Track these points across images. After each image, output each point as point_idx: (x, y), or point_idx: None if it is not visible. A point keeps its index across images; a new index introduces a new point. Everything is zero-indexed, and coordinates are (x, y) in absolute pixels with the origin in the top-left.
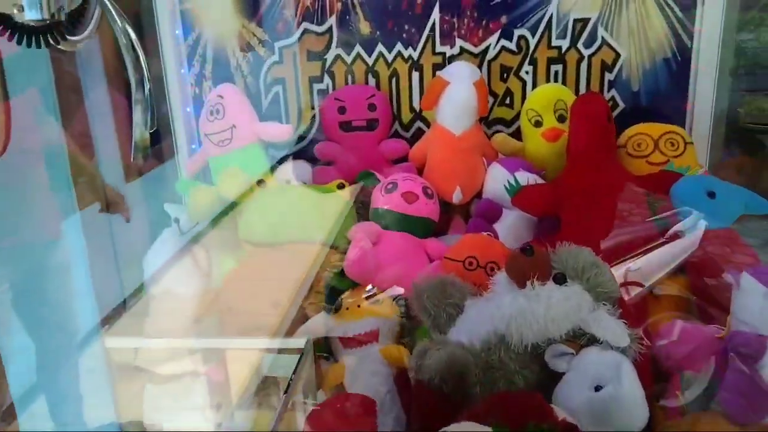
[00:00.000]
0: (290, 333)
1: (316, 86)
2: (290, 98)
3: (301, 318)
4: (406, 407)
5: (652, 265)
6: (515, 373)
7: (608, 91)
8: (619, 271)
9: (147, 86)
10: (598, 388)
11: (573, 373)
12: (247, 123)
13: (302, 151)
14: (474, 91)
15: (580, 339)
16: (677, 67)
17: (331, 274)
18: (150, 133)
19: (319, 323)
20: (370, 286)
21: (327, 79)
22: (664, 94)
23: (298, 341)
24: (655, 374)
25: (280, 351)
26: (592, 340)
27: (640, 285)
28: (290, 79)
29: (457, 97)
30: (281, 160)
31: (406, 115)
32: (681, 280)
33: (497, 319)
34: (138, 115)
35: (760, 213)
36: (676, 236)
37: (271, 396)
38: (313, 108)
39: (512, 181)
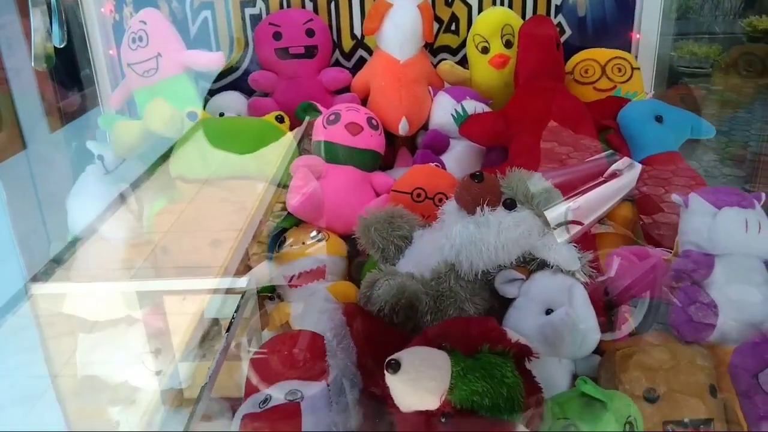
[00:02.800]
0: (232, 273)
1: (248, 11)
2: (220, 24)
3: (243, 260)
4: (356, 339)
5: (591, 204)
6: (466, 300)
7: (555, 16)
8: (560, 210)
9: None
10: (548, 312)
11: (523, 298)
12: (173, 51)
13: (236, 82)
14: (418, 13)
15: (530, 264)
16: None
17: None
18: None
19: (263, 272)
20: (314, 232)
21: (260, 3)
22: (611, 21)
23: (240, 281)
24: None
25: (223, 292)
26: (542, 265)
27: (580, 223)
28: (219, 4)
29: (401, 20)
30: (213, 92)
31: (347, 43)
32: (627, 208)
33: (447, 248)
34: (36, 19)
35: (705, 137)
36: (615, 175)
37: (214, 339)
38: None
39: (459, 110)
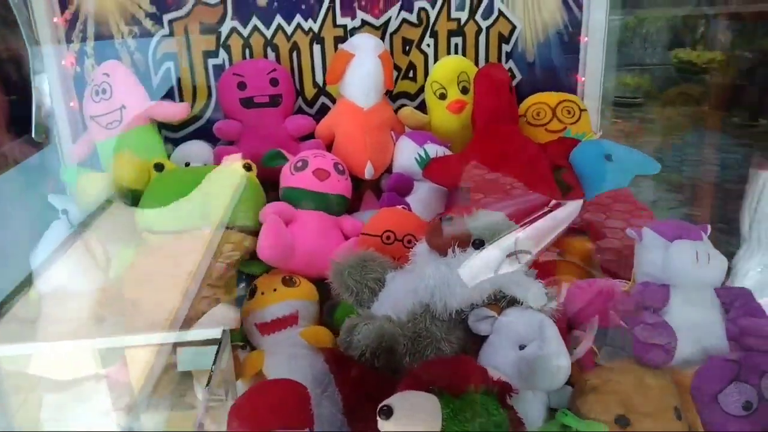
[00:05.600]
0: (182, 319)
1: (211, 61)
2: (183, 75)
3: (194, 305)
4: (340, 386)
5: (539, 233)
6: (442, 340)
7: (506, 62)
8: (509, 241)
9: None
10: (522, 347)
11: (496, 335)
12: (137, 102)
13: (199, 131)
14: (380, 63)
15: (501, 302)
16: (569, 38)
17: (242, 260)
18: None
19: (219, 315)
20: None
21: (223, 54)
22: (558, 65)
23: (214, 332)
24: None
25: (193, 343)
26: (512, 302)
27: (529, 252)
28: (182, 54)
29: (364, 70)
30: (176, 141)
31: (310, 91)
32: (583, 242)
33: (421, 289)
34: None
35: (651, 173)
36: (558, 205)
37: (186, 392)
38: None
39: (422, 154)
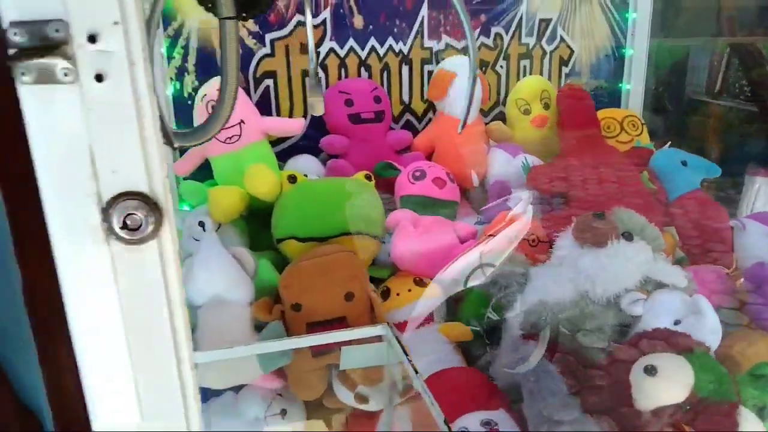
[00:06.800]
0: (365, 323)
1: (309, 80)
2: (281, 92)
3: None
4: (556, 361)
5: (499, 247)
6: (604, 322)
7: (565, 81)
8: (474, 255)
9: None
10: (677, 322)
11: (650, 314)
12: (253, 118)
13: (295, 147)
14: (479, 81)
15: (647, 285)
16: (615, 61)
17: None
18: None
19: None
20: None
21: (320, 73)
22: (607, 85)
23: (377, 329)
24: None
25: (354, 342)
26: (658, 286)
27: (493, 265)
28: (282, 73)
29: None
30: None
31: (396, 108)
32: (669, 237)
33: (580, 279)
34: None
35: (715, 176)
36: (513, 220)
37: (327, 394)
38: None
39: (524, 162)
